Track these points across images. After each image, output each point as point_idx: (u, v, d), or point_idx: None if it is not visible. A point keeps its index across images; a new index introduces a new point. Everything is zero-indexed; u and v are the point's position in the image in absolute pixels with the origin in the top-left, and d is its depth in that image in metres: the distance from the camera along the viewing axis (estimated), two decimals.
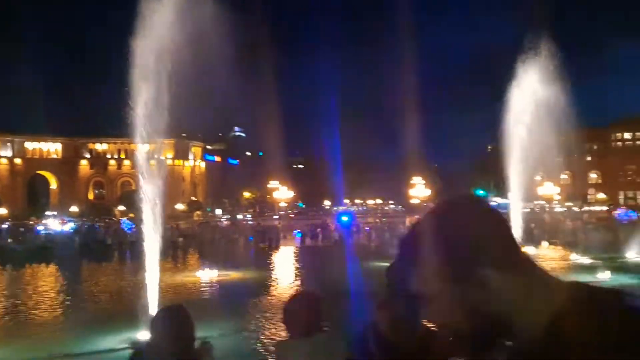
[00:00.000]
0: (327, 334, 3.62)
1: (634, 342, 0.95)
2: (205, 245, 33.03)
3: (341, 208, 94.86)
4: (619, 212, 45.89)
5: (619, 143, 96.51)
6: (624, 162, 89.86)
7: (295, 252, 32.83)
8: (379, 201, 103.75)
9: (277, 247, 35.45)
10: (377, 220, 55.47)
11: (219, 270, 22.47)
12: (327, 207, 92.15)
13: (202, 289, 20.17)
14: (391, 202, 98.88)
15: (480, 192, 75.69)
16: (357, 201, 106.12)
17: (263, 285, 19.47)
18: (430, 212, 1.20)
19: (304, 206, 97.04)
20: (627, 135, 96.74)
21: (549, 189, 40.00)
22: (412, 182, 69.33)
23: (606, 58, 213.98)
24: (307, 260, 28.75)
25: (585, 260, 23.01)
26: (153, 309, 12.17)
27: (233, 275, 22.35)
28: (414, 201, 78.87)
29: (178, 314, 3.30)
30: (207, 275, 21.98)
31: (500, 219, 1.19)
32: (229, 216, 79.99)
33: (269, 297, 17.36)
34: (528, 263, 1.18)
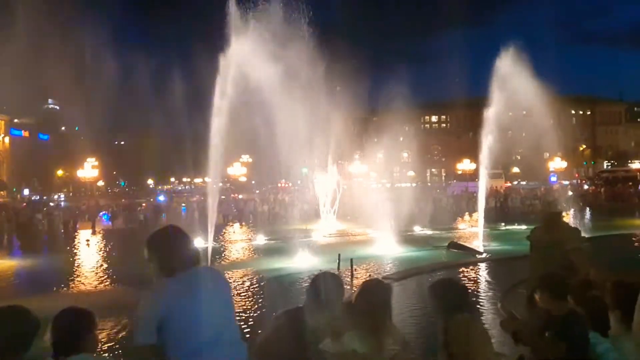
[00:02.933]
0: None
1: None
2: None
3: (166, 187, 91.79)
4: None
5: (427, 125, 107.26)
6: (431, 143, 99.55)
7: (87, 237, 29.18)
8: (208, 179, 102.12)
9: (74, 230, 32.58)
10: (195, 199, 54.23)
11: None
12: (151, 186, 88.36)
13: None
14: (221, 180, 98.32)
15: (304, 170, 78.32)
16: (184, 179, 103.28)
17: None
18: None
19: (125, 185, 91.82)
20: (434, 119, 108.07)
21: (359, 168, 42.67)
22: (236, 160, 69.25)
23: (416, 47, 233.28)
24: (96, 245, 26.96)
25: (376, 233, 24.57)
26: None
27: None
28: (242, 179, 79.14)
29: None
30: None
31: None
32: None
33: None
34: None
